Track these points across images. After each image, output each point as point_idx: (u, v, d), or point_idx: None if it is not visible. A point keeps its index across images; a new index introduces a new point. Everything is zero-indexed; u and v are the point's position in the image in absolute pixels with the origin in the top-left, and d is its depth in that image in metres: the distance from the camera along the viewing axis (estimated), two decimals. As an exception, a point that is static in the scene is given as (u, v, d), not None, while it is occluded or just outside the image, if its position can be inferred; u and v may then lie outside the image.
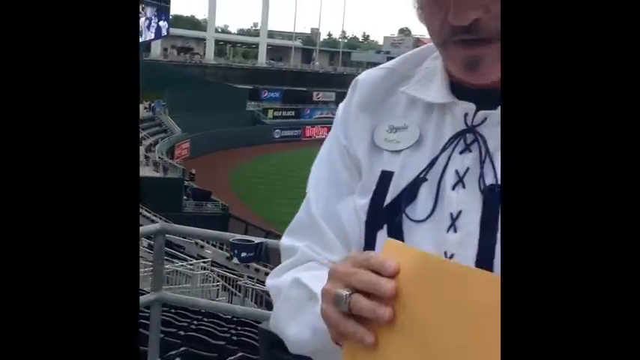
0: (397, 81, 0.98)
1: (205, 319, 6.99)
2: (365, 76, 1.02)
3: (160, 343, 3.04)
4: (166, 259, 16.39)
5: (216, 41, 74.46)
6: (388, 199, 0.91)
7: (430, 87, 0.93)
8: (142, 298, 2.94)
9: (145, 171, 31.52)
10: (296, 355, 0.95)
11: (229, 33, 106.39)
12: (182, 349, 4.94)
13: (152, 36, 59.46)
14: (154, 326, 2.86)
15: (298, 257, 0.96)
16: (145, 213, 23.35)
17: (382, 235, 0.90)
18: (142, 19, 55.97)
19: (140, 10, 55.72)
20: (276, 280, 0.97)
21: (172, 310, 7.20)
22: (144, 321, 3.57)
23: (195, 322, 6.80)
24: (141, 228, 4.50)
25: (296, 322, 0.91)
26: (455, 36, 0.83)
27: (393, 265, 0.72)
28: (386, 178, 0.92)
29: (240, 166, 42.14)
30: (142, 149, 37.62)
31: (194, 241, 18.92)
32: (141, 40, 57.32)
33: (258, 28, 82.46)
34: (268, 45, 73.38)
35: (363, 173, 0.96)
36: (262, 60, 70.51)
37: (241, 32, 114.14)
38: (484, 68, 0.83)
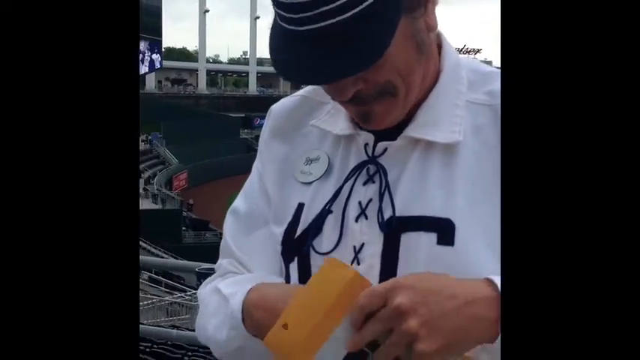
0: (311, 108, 1.00)
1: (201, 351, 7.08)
2: (278, 105, 1.04)
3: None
4: (166, 291, 16.48)
5: (208, 71, 74.80)
6: (298, 232, 0.94)
7: (338, 119, 0.96)
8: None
9: (144, 204, 31.63)
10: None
11: (220, 62, 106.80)
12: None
13: (146, 69, 59.78)
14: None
15: (220, 272, 1.03)
16: (145, 245, 23.41)
17: (294, 266, 0.94)
18: (134, 54, 56.11)
19: (132, 44, 55.87)
20: (201, 290, 1.04)
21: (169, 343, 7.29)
22: None
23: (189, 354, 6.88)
24: None
25: (214, 323, 0.97)
26: (344, 103, 0.89)
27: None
28: (299, 209, 0.95)
29: (237, 194, 42.03)
30: (141, 182, 37.77)
31: (194, 272, 18.93)
32: (135, 73, 57.41)
33: (248, 56, 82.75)
34: (258, 73, 73.64)
35: (273, 201, 0.99)
36: (253, 88, 70.81)
37: (232, 61, 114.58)
38: (377, 118, 0.89)
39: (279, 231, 0.97)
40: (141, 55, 57.10)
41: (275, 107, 1.04)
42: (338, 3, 0.78)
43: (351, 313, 0.78)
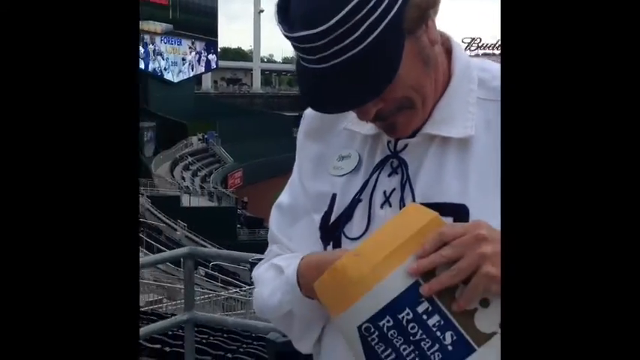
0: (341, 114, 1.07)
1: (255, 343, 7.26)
2: (309, 111, 1.12)
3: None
4: (222, 286, 16.82)
5: (263, 71, 75.72)
6: (332, 218, 1.05)
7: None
8: (176, 319, 3.28)
9: (201, 201, 32.29)
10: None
11: (275, 62, 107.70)
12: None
13: (202, 69, 61.00)
14: (188, 346, 3.16)
15: (271, 255, 1.15)
16: (200, 242, 23.89)
17: (330, 249, 1.04)
18: (192, 54, 57.45)
19: (190, 44, 57.27)
20: (256, 271, 1.16)
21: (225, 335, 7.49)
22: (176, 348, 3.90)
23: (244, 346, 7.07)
24: (171, 251, 4.82)
25: (269, 291, 1.08)
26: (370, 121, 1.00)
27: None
28: (333, 199, 1.06)
29: (292, 192, 42.34)
30: (197, 180, 38.52)
31: (247, 267, 19.20)
32: (192, 73, 58.65)
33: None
34: (313, 71, 73.88)
35: (310, 194, 1.10)
36: (308, 86, 71.11)
37: (286, 60, 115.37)
38: (400, 128, 0.99)
39: (317, 218, 1.08)
40: (197, 56, 58.20)
41: (307, 112, 1.13)
42: (347, 42, 0.88)
43: (426, 242, 0.85)
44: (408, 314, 0.85)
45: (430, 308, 0.85)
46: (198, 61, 59.28)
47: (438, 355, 0.85)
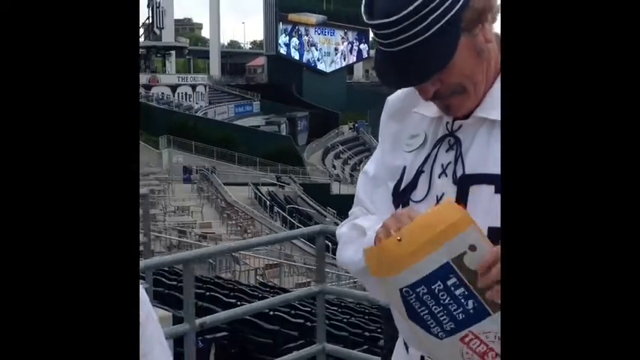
0: (415, 98, 1.27)
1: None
2: (393, 96, 1.37)
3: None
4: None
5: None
6: (402, 186, 1.27)
7: (433, 106, 1.25)
8: (309, 289, 3.69)
9: (350, 189, 32.97)
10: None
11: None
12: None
13: (354, 59, 61.84)
14: (320, 316, 3.52)
15: (354, 216, 1.37)
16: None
17: (399, 210, 1.25)
18: (344, 44, 58.42)
19: (343, 35, 58.24)
20: (339, 230, 1.38)
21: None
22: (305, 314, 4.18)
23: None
24: (305, 228, 5.20)
25: (352, 248, 1.29)
26: (429, 100, 1.21)
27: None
28: (403, 170, 1.28)
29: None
30: (347, 168, 39.35)
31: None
32: (344, 63, 59.70)
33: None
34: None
35: (387, 165, 1.32)
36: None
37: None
38: (454, 109, 1.21)
39: (391, 186, 1.31)
40: (349, 45, 59.00)
41: (390, 98, 1.39)
42: (413, 31, 1.12)
43: (484, 260, 1.06)
44: (439, 285, 1.09)
45: (457, 282, 1.08)
46: (350, 50, 60.09)
47: (461, 315, 1.09)
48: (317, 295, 3.43)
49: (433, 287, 1.09)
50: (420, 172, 1.26)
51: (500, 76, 1.20)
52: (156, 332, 1.27)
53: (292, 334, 5.68)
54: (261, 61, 60.36)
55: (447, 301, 1.09)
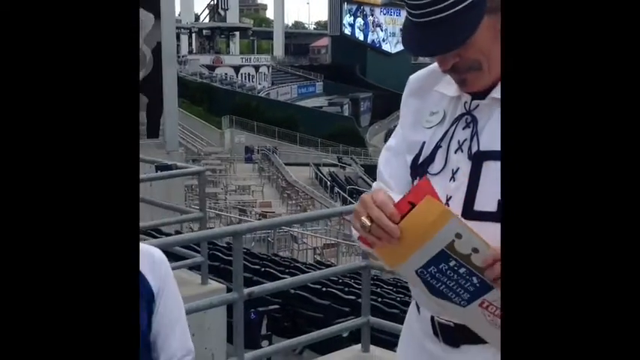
0: (436, 77, 1.37)
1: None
2: (414, 75, 1.46)
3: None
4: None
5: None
6: (420, 160, 1.35)
7: (452, 85, 1.33)
8: (355, 264, 3.76)
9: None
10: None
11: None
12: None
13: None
14: (365, 289, 3.58)
15: (373, 190, 1.38)
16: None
17: (416, 182, 1.33)
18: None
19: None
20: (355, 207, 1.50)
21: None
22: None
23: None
24: (351, 206, 5.28)
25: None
26: (447, 72, 1.29)
27: (392, 210, 1.17)
28: (422, 145, 1.36)
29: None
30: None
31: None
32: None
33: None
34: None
35: (408, 140, 1.40)
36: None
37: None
38: (469, 84, 1.28)
39: (409, 159, 1.38)
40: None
41: (412, 77, 1.46)
42: (440, 5, 1.20)
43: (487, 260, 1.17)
44: (444, 266, 1.19)
45: (457, 264, 1.19)
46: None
47: (471, 288, 1.20)
48: (363, 270, 3.49)
49: (441, 267, 1.20)
50: (437, 147, 1.33)
51: None
52: (175, 308, 1.36)
53: (343, 309, 5.76)
54: (325, 41, 60.37)
55: (455, 277, 1.21)
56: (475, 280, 1.19)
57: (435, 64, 1.40)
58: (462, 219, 1.20)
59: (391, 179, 1.43)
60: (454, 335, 1.33)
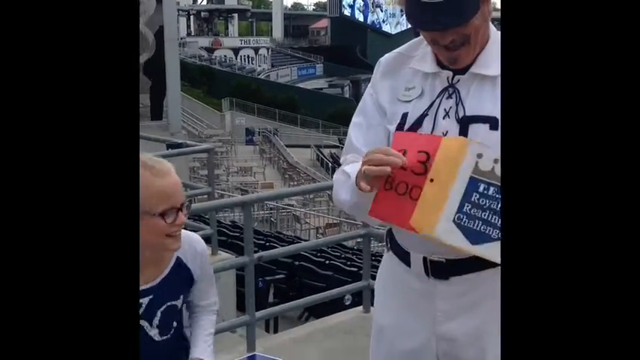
0: (403, 59, 1.63)
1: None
2: (385, 58, 1.68)
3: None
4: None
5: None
6: (405, 127, 1.56)
7: (425, 64, 1.58)
8: (356, 232, 4.03)
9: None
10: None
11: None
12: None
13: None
14: (365, 258, 3.86)
15: (347, 162, 1.64)
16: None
17: None
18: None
19: None
20: (335, 176, 1.66)
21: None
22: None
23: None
24: None
25: (343, 190, 1.58)
26: (441, 47, 1.51)
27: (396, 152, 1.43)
28: (404, 116, 1.57)
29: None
30: (409, 131, 39.11)
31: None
32: (410, 25, 58.67)
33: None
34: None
35: (388, 113, 1.62)
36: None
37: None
38: (459, 60, 1.52)
39: (392, 128, 1.61)
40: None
41: (382, 59, 1.70)
42: None
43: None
44: (475, 196, 1.38)
45: (486, 186, 1.38)
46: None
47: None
48: (364, 237, 3.76)
49: (473, 199, 1.38)
50: (424, 115, 1.57)
51: (488, 43, 1.55)
52: (209, 277, 1.72)
53: (345, 279, 6.04)
54: (324, 23, 60.15)
55: (488, 203, 1.38)
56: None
57: (402, 47, 1.69)
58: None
59: (366, 147, 1.60)
60: (445, 269, 1.53)
